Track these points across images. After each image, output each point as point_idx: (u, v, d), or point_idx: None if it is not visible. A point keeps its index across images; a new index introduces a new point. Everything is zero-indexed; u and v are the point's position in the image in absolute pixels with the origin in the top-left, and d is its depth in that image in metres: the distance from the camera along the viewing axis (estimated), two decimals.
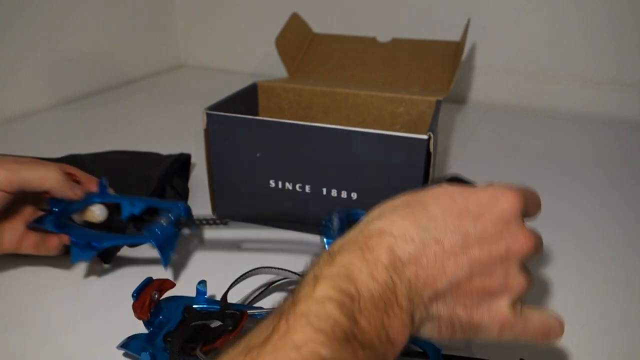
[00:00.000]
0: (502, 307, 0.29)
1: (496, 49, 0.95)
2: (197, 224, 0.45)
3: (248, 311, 0.38)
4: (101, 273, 0.48)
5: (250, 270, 0.41)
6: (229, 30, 1.19)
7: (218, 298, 0.42)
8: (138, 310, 0.36)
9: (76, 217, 0.47)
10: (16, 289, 0.46)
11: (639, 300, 0.45)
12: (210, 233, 0.55)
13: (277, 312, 0.26)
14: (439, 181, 0.34)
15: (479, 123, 0.89)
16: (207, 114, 0.52)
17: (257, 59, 1.17)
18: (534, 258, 0.31)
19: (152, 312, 0.37)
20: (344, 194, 0.51)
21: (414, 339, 0.35)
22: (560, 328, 0.32)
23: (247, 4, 1.14)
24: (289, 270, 0.40)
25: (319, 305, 0.25)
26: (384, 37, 0.76)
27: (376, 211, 0.31)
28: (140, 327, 0.38)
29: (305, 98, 0.66)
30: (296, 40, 0.77)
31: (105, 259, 0.49)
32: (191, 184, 0.64)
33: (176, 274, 0.48)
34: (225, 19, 1.18)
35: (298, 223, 0.53)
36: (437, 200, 0.30)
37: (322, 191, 0.51)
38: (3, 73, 0.87)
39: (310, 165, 0.51)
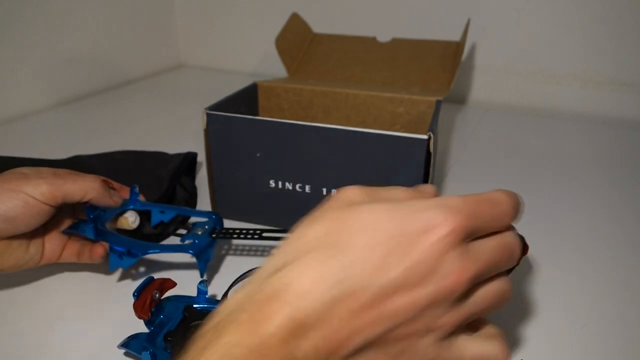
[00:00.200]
0: (429, 346, 0.26)
1: (496, 49, 0.95)
2: (232, 234, 0.46)
3: None
4: (101, 272, 0.48)
5: (250, 270, 0.41)
6: (229, 30, 1.19)
7: (219, 298, 0.42)
8: (139, 309, 0.36)
9: (108, 225, 0.47)
10: (15, 288, 0.46)
11: (639, 300, 0.46)
12: None
13: None
14: None
15: (479, 123, 0.89)
16: (207, 114, 0.52)
17: (257, 59, 1.17)
18: (512, 266, 0.29)
19: (152, 312, 0.37)
20: None
21: None
22: (502, 358, 0.29)
23: (247, 4, 1.14)
24: None
25: None
26: (384, 37, 0.77)
27: (288, 248, 0.26)
28: (141, 327, 0.38)
29: (305, 98, 0.66)
30: (296, 40, 0.77)
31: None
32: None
33: (177, 274, 0.48)
34: (225, 19, 1.18)
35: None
36: (362, 233, 0.25)
37: (322, 191, 0.51)
38: (3, 73, 0.87)
39: (310, 165, 0.51)
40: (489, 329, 0.31)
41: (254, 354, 0.22)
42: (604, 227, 0.57)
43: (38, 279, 0.48)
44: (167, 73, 1.21)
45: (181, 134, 0.81)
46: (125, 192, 0.49)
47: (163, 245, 0.44)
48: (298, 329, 0.23)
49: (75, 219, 0.47)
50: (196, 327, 0.36)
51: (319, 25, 0.82)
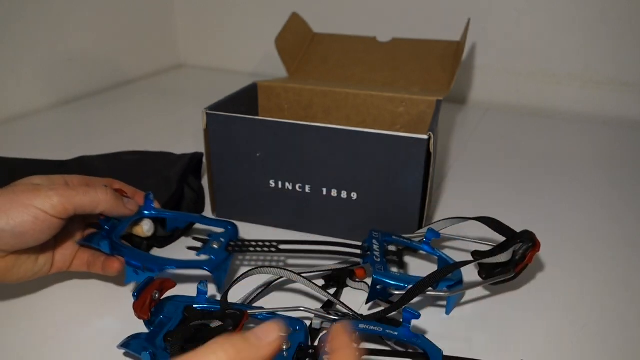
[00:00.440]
0: None
1: (496, 49, 0.95)
2: (247, 247, 0.45)
3: (248, 311, 0.38)
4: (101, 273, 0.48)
5: (250, 270, 0.41)
6: (229, 30, 1.19)
7: (218, 298, 0.42)
8: (139, 309, 0.36)
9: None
10: (16, 289, 0.46)
11: (639, 300, 0.46)
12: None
13: None
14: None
15: (479, 123, 0.89)
16: (207, 114, 0.52)
17: (257, 59, 1.17)
18: None
19: (152, 312, 0.37)
20: (344, 194, 0.51)
21: (413, 340, 0.35)
22: None
23: (247, 4, 1.14)
24: (289, 270, 0.40)
25: None
26: (384, 37, 0.76)
27: None
28: (141, 327, 0.38)
29: (305, 98, 0.66)
30: (296, 40, 0.77)
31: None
32: None
33: (177, 274, 0.48)
34: (225, 19, 1.18)
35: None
36: None
37: (322, 191, 0.51)
38: (3, 73, 0.87)
39: (310, 165, 0.51)
40: None
41: None
42: (604, 227, 0.57)
43: (38, 279, 0.47)
44: (167, 73, 1.21)
45: (181, 134, 0.81)
46: (140, 197, 0.48)
47: (179, 261, 0.43)
48: None
49: (87, 225, 0.46)
50: (196, 327, 0.36)
51: (319, 25, 0.82)
